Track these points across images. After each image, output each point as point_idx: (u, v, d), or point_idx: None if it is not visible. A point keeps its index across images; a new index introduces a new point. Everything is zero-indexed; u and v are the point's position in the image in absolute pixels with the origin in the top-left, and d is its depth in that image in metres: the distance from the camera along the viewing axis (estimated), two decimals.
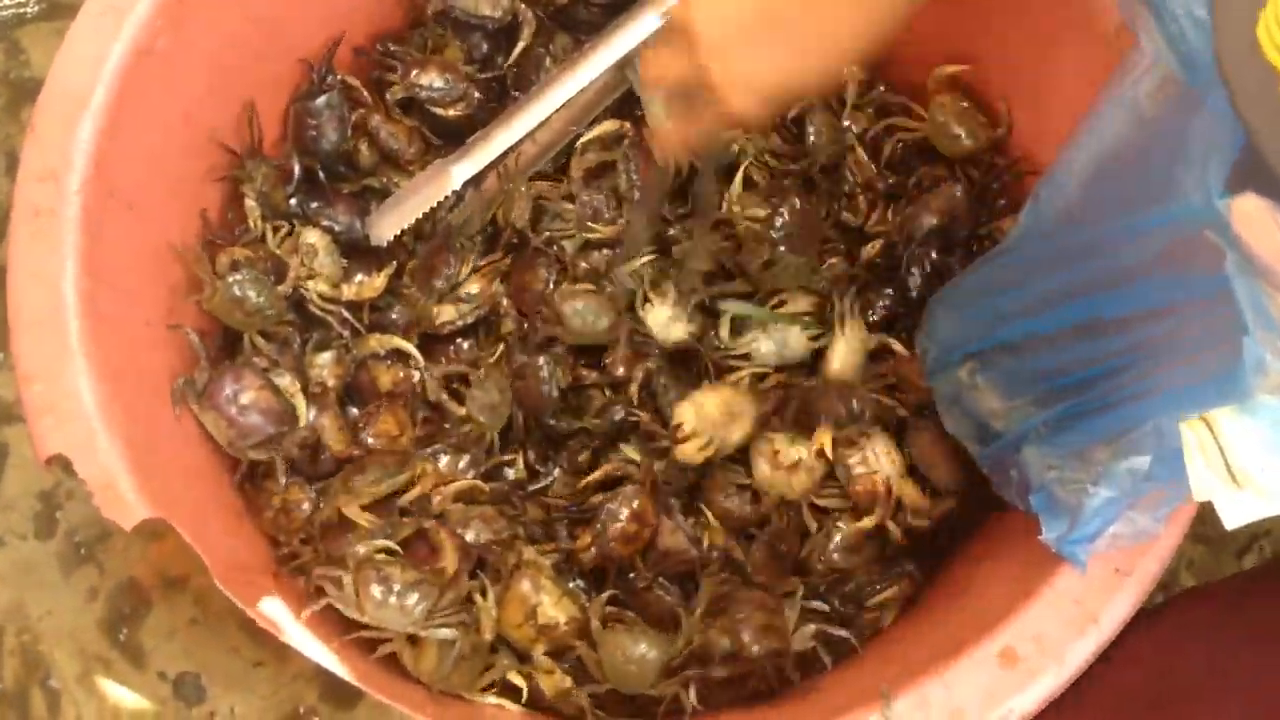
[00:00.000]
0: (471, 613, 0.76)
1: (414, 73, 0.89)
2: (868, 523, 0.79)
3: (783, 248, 0.85)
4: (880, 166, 0.93)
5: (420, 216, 0.89)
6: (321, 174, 0.89)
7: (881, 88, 0.96)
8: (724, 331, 0.87)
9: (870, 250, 0.90)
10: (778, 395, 0.85)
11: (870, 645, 0.78)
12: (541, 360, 0.85)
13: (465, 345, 0.90)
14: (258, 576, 0.75)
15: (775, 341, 0.87)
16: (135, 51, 0.75)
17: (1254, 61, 0.42)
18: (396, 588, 0.73)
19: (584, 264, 0.89)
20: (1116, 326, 0.60)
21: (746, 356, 0.87)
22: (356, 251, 0.90)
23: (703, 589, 0.80)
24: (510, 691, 0.76)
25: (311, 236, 0.87)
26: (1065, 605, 0.66)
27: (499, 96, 0.94)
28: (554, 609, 0.77)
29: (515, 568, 0.78)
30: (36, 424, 0.68)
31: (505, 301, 0.89)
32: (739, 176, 0.89)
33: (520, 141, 0.89)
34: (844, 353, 0.86)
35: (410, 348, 0.87)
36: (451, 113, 0.90)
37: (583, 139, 0.91)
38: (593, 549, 0.80)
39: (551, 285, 0.89)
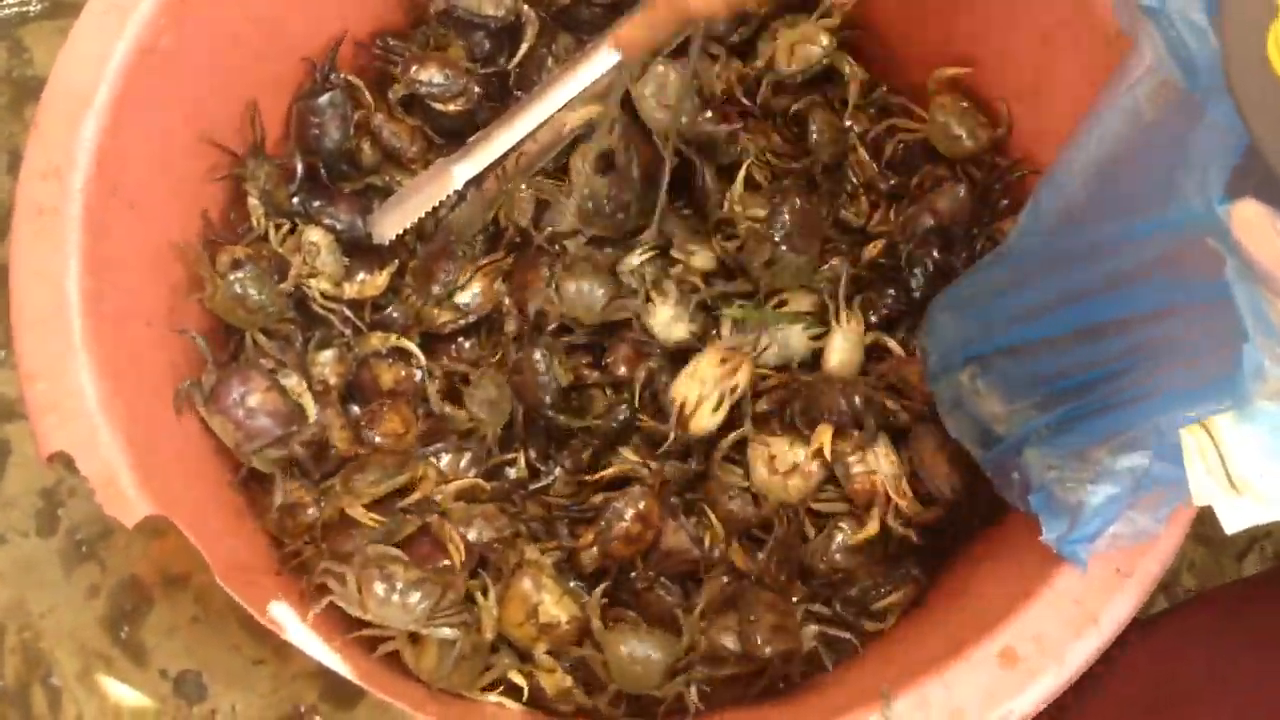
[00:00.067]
0: (473, 612, 0.76)
1: (414, 68, 0.89)
2: (871, 529, 0.79)
3: (783, 247, 0.85)
4: (881, 167, 0.93)
5: (422, 215, 0.89)
6: (324, 172, 0.90)
7: (884, 88, 0.96)
8: (725, 331, 0.87)
9: (872, 250, 0.90)
10: (779, 396, 0.85)
11: (871, 645, 0.79)
12: (538, 354, 0.85)
13: (467, 344, 0.90)
14: (259, 575, 0.75)
15: (777, 341, 0.87)
16: (138, 50, 0.75)
17: (1263, 74, 0.43)
18: (399, 586, 0.73)
19: (586, 262, 0.89)
20: (1116, 329, 0.60)
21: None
22: (358, 250, 0.90)
23: (705, 589, 0.80)
24: (511, 690, 0.76)
25: (314, 235, 0.87)
26: (1065, 605, 0.66)
27: (500, 93, 0.94)
28: (555, 608, 0.77)
29: (517, 566, 0.78)
30: (39, 421, 0.68)
31: (507, 300, 0.89)
32: (740, 176, 0.89)
33: (522, 141, 0.89)
34: (843, 348, 0.86)
35: (412, 346, 0.88)
36: (452, 108, 0.90)
37: (567, 126, 0.90)
38: (594, 548, 0.80)
39: (553, 284, 0.89)
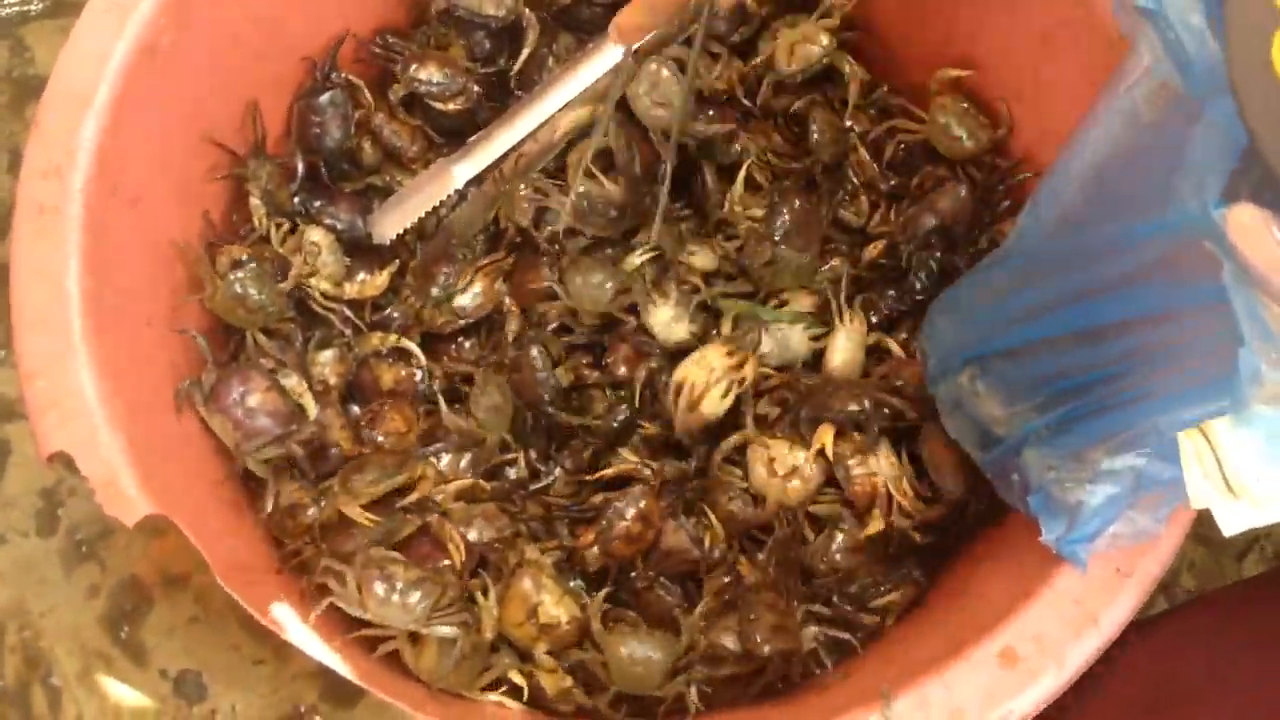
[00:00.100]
0: (473, 611, 0.76)
1: (413, 67, 0.89)
2: (875, 526, 0.79)
3: (782, 246, 0.85)
4: (882, 168, 0.93)
5: (423, 215, 0.89)
6: (324, 172, 0.90)
7: (884, 88, 0.96)
8: (726, 328, 0.87)
9: (873, 251, 0.90)
10: (781, 396, 0.85)
11: (871, 645, 0.78)
12: (534, 351, 0.85)
13: (468, 344, 0.90)
14: (259, 574, 0.75)
15: (777, 342, 0.87)
16: (139, 49, 0.75)
17: (1265, 78, 0.43)
18: (399, 586, 0.73)
19: (587, 260, 0.89)
20: (1115, 331, 0.60)
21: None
22: (359, 250, 0.90)
23: (705, 589, 0.80)
24: (511, 690, 0.76)
25: (315, 235, 0.87)
26: (1065, 606, 0.66)
27: (500, 93, 0.94)
28: (555, 608, 0.77)
29: (517, 566, 0.78)
30: (39, 421, 0.68)
31: (508, 300, 0.89)
32: (741, 176, 0.89)
33: (523, 141, 0.89)
34: (845, 347, 0.86)
35: (413, 346, 0.88)
36: (451, 107, 0.90)
37: (559, 131, 0.90)
38: (595, 547, 0.80)
39: (554, 284, 0.89)
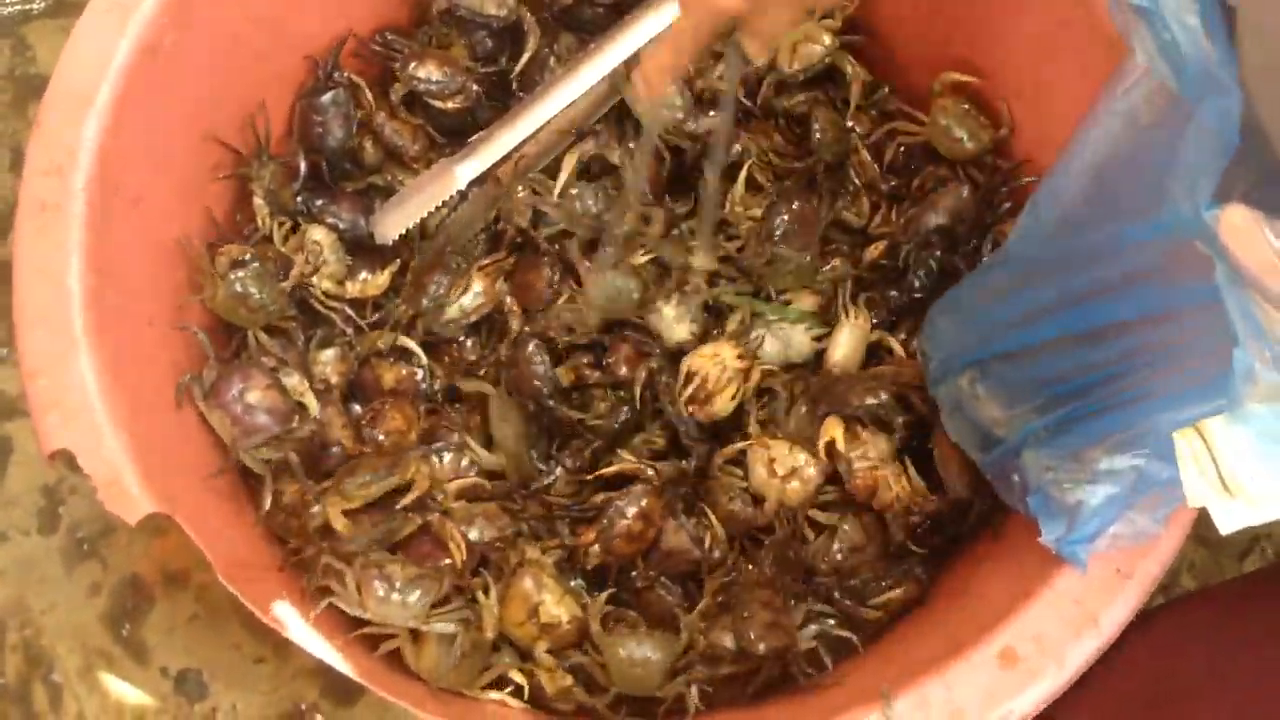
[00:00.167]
0: (473, 609, 0.76)
1: (412, 65, 0.89)
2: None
3: (781, 246, 0.85)
4: (883, 170, 0.93)
5: (424, 215, 0.89)
6: (326, 171, 0.90)
7: (885, 89, 0.96)
8: (731, 327, 0.87)
9: (874, 251, 0.90)
10: (791, 391, 0.85)
11: (871, 645, 0.79)
12: (532, 346, 0.85)
13: (469, 343, 0.90)
14: (260, 572, 0.75)
15: (779, 341, 0.87)
16: (141, 49, 0.75)
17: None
18: (398, 584, 0.73)
19: (588, 262, 0.89)
20: (1114, 332, 0.61)
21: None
22: (360, 249, 0.90)
23: (706, 589, 0.80)
24: (512, 690, 0.76)
25: (317, 234, 0.87)
26: (1065, 606, 0.66)
27: (500, 92, 0.94)
28: (556, 607, 0.77)
29: (518, 566, 0.78)
30: (41, 419, 0.68)
31: (509, 299, 0.89)
32: (742, 176, 0.89)
33: (524, 142, 0.89)
34: (848, 342, 0.86)
35: (414, 345, 0.88)
36: (450, 105, 0.90)
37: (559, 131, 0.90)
38: (596, 545, 0.80)
39: (555, 284, 0.89)
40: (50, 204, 0.72)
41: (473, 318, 0.88)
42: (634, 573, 0.82)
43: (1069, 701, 0.65)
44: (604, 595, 0.79)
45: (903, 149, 0.93)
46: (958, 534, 0.82)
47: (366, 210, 0.90)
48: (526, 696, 0.76)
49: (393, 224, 0.89)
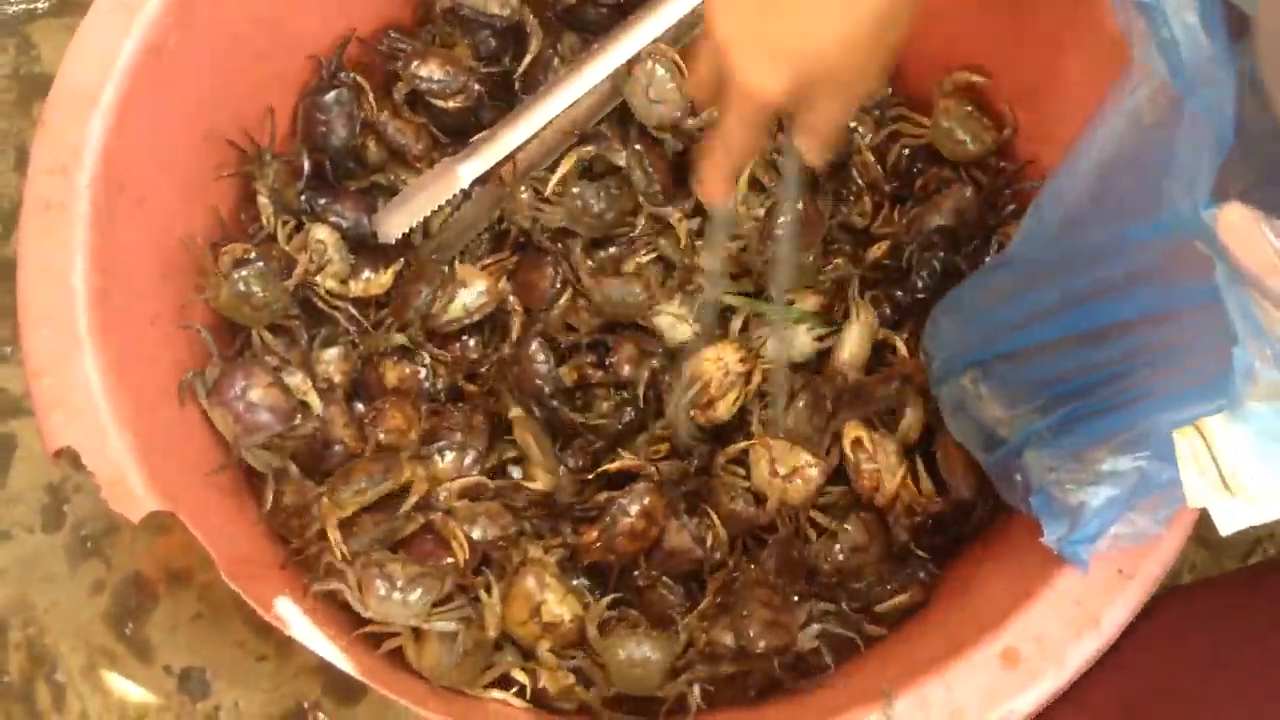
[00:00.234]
0: (475, 607, 0.76)
1: (414, 64, 0.90)
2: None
3: (783, 246, 0.85)
4: (886, 171, 0.93)
5: (427, 215, 0.89)
6: (330, 170, 0.90)
7: (888, 90, 0.96)
8: (735, 327, 0.87)
9: (876, 251, 0.90)
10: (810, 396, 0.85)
11: (871, 645, 0.79)
12: (534, 344, 0.85)
13: (471, 342, 0.90)
14: (264, 571, 0.75)
15: (782, 341, 0.87)
16: (145, 49, 0.76)
17: None
18: (399, 583, 0.73)
19: (590, 262, 0.89)
20: (1117, 332, 0.61)
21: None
22: (364, 248, 0.90)
23: (708, 589, 0.80)
24: (515, 689, 0.76)
25: (320, 233, 0.88)
26: (1066, 606, 0.66)
27: (503, 92, 0.94)
28: (558, 606, 0.77)
29: (520, 565, 0.78)
30: (45, 418, 0.68)
31: (512, 299, 0.89)
32: (744, 176, 0.89)
33: (527, 141, 0.89)
34: (855, 340, 0.86)
35: (422, 343, 0.88)
36: (451, 104, 0.90)
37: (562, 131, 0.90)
38: (599, 543, 0.80)
39: (558, 284, 0.89)
40: (55, 203, 0.72)
41: (475, 317, 0.89)
42: (636, 572, 0.82)
43: (1075, 693, 0.65)
44: (605, 600, 0.79)
45: (906, 151, 0.93)
46: (960, 535, 0.82)
47: (370, 209, 0.90)
48: (529, 695, 0.76)
49: (396, 223, 0.89)
